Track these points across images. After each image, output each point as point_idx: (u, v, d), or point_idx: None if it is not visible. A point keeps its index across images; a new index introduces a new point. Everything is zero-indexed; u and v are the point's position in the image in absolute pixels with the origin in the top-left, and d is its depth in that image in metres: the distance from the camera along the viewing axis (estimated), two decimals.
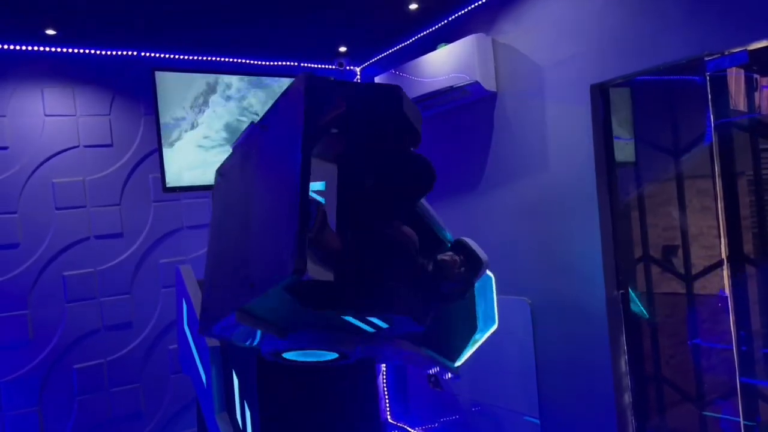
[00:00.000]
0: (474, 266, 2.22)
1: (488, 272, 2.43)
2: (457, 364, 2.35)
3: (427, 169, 2.23)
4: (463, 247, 2.26)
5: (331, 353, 1.87)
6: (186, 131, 4.10)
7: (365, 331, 1.79)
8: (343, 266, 1.92)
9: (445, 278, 2.12)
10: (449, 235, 2.39)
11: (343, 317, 1.67)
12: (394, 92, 2.10)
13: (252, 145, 2.13)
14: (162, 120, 3.91)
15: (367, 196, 2.25)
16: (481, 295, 2.48)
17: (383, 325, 1.72)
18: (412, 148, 2.23)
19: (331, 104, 1.98)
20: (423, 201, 2.39)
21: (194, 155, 4.06)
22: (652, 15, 3.20)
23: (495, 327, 2.46)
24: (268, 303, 1.68)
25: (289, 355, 1.89)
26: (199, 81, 4.09)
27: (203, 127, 4.15)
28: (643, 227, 4.11)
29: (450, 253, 2.22)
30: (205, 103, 4.19)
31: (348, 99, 2.03)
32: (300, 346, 1.80)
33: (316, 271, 1.97)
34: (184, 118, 4.08)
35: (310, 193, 2.15)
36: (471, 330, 2.42)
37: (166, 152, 3.99)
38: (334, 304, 1.67)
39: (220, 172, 2.21)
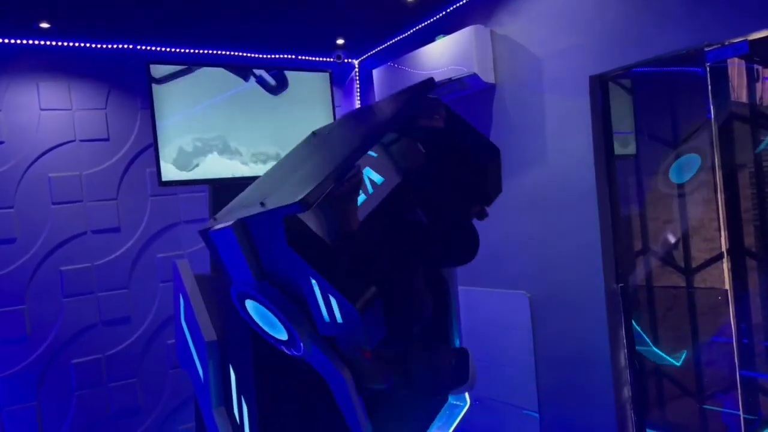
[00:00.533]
0: (460, 378, 2.11)
1: (468, 399, 2.36)
2: None
3: (472, 246, 2.11)
4: (461, 356, 2.15)
5: (282, 331, 1.84)
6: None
7: (320, 321, 1.75)
8: (346, 246, 1.88)
9: (426, 366, 2.03)
10: (459, 341, 2.32)
11: (311, 278, 1.66)
12: (493, 150, 2.12)
13: (353, 114, 2.23)
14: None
15: (409, 226, 2.19)
16: (447, 414, 2.37)
17: (338, 316, 1.68)
18: (475, 219, 2.15)
19: (433, 113, 1.99)
20: (458, 299, 2.31)
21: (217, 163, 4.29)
22: (651, 5, 3.16)
23: None
24: (265, 231, 1.69)
25: (249, 306, 1.88)
26: None
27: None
28: (642, 220, 4.09)
29: (449, 352, 2.15)
30: None
31: (449, 123, 2.03)
32: (263, 300, 1.79)
33: (318, 225, 1.94)
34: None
35: (366, 172, 2.18)
36: None
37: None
38: (311, 253, 1.66)
39: (315, 131, 2.21)
